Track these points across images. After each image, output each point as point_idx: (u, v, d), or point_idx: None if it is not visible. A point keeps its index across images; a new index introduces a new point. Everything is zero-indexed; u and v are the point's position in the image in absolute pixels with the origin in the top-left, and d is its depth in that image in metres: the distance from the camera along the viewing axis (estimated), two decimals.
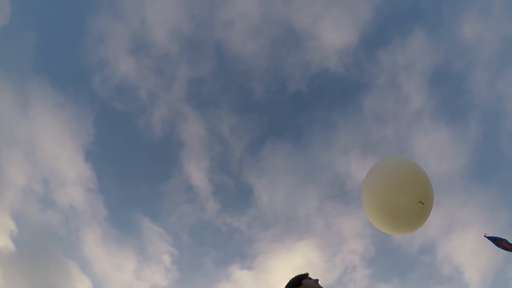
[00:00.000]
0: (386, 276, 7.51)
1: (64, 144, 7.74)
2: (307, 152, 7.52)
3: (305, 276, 1.48)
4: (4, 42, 7.50)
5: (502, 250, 4.01)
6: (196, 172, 7.53)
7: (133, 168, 7.77)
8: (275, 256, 7.30)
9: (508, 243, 3.97)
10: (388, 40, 7.43)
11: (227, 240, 7.53)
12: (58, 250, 7.93)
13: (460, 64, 7.81)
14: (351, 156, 7.58)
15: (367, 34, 7.37)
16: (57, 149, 7.79)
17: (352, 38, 7.40)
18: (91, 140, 7.53)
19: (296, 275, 1.57)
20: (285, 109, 7.65)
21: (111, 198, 7.50)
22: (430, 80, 7.69)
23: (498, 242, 4.04)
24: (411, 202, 3.07)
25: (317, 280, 1.47)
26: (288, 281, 1.56)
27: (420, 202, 3.05)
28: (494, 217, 7.95)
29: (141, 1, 7.42)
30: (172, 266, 7.39)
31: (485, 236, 4.05)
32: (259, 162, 7.63)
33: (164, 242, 7.42)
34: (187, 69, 7.37)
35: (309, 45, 7.33)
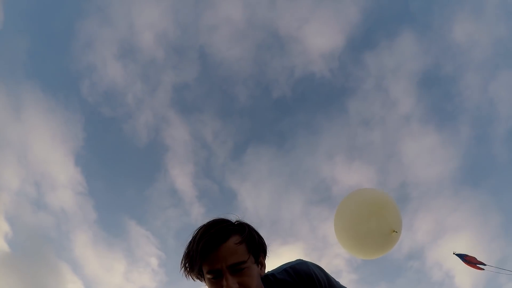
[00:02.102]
0: (373, 281, 7.47)
1: (55, 148, 7.89)
2: (292, 157, 7.51)
3: None
4: None
5: (475, 268, 3.98)
6: (181, 176, 7.60)
7: (120, 172, 7.89)
8: None
9: (475, 263, 3.94)
10: (375, 43, 7.35)
11: None
12: (51, 251, 8.10)
13: (450, 67, 7.68)
14: (337, 161, 7.55)
15: (354, 37, 7.30)
16: (48, 153, 7.95)
17: (338, 41, 7.34)
18: (81, 144, 7.65)
19: None
20: (269, 114, 7.66)
21: (100, 202, 7.64)
22: (419, 83, 7.58)
23: (466, 258, 4.02)
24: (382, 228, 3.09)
25: None
26: None
27: (393, 231, 3.07)
28: (486, 221, 7.83)
29: (129, 7, 7.48)
30: (159, 269, 7.49)
31: (454, 253, 4.03)
32: (243, 166, 7.67)
33: (151, 245, 7.52)
34: (172, 74, 7.42)
35: (294, 49, 7.29)
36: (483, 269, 3.97)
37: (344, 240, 3.34)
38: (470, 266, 3.98)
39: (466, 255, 4.03)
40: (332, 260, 7.25)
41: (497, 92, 7.66)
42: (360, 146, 7.37)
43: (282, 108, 7.43)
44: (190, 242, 0.89)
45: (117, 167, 7.83)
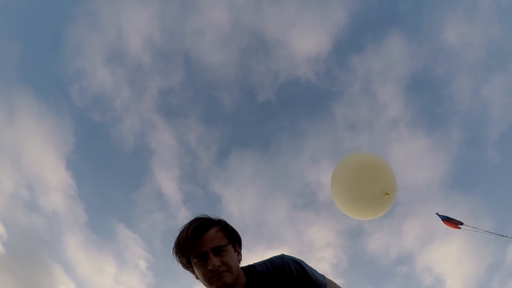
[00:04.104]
0: (360, 286, 7.44)
1: (47, 152, 8.02)
2: (277, 162, 7.50)
3: None
4: None
5: (453, 228, 3.99)
6: (166, 180, 7.66)
7: (109, 176, 8.00)
8: (247, 263, 7.38)
9: (455, 222, 3.95)
10: (362, 45, 7.26)
11: None
12: (44, 253, 8.27)
13: (441, 70, 7.55)
14: (323, 165, 7.51)
15: (341, 40, 7.22)
16: (40, 156, 8.09)
17: (324, 45, 7.27)
18: (71, 149, 7.78)
19: None
20: (253, 118, 7.65)
21: (90, 205, 7.76)
22: (408, 86, 7.48)
23: (447, 219, 4.02)
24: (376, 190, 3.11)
25: None
26: None
27: (385, 193, 3.08)
28: (477, 226, 7.70)
29: (117, 12, 7.53)
30: (148, 271, 7.59)
31: (436, 213, 4.06)
32: (228, 171, 7.69)
33: (139, 248, 7.62)
34: (158, 79, 7.46)
35: (280, 53, 7.25)
36: (460, 228, 4.00)
37: (340, 202, 3.36)
38: (449, 225, 4.00)
39: (447, 217, 4.05)
40: (318, 264, 7.24)
41: (490, 95, 7.50)
42: (347, 150, 7.32)
43: (266, 112, 7.42)
44: (180, 234, 1.09)
45: (105, 171, 7.95)
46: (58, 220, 8.05)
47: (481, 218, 7.60)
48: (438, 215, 4.03)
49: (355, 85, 7.28)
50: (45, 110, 7.86)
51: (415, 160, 7.46)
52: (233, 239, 1.13)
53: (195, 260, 1.05)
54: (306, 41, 7.16)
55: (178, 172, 7.69)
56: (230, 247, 1.09)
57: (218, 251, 1.05)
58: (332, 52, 7.24)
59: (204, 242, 1.05)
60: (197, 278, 1.11)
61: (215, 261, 1.02)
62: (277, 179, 7.50)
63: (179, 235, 1.10)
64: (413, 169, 7.53)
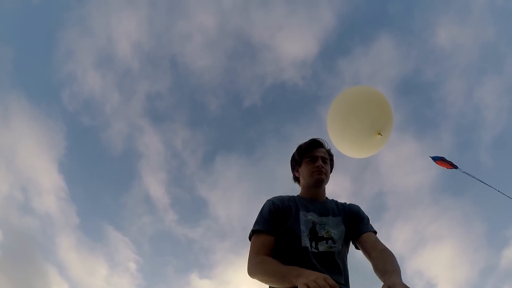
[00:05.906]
0: None
1: (40, 155, 8.15)
2: (264, 166, 7.48)
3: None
4: None
5: (446, 169, 3.87)
6: (154, 184, 7.72)
7: (99, 179, 8.09)
8: (234, 266, 7.41)
9: (449, 163, 3.83)
10: (350, 48, 7.18)
11: (187, 250, 7.71)
12: (38, 255, 8.41)
13: (432, 72, 7.43)
14: None
15: (329, 43, 7.15)
16: (34, 160, 8.22)
17: (312, 48, 7.21)
18: (63, 152, 7.88)
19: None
20: (240, 123, 7.63)
21: (81, 207, 7.86)
22: (397, 89, 7.37)
23: (442, 159, 3.89)
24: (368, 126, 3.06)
25: None
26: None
27: (378, 133, 3.02)
28: (469, 230, 7.59)
29: (107, 17, 7.59)
30: (137, 273, 7.67)
31: (430, 156, 3.96)
32: (214, 175, 7.70)
33: (129, 250, 7.70)
34: (146, 84, 7.51)
35: (267, 57, 7.22)
36: (454, 168, 3.85)
37: (334, 136, 3.27)
38: (443, 165, 3.88)
39: (442, 157, 3.92)
40: None
41: (483, 98, 7.36)
42: (335, 154, 7.24)
43: (253, 116, 7.40)
44: (302, 143, 1.56)
45: (96, 174, 8.05)
46: (51, 222, 8.18)
47: (473, 222, 7.49)
48: (431, 157, 3.89)
49: (343, 88, 7.19)
50: (37, 114, 7.98)
51: (405, 164, 7.37)
52: (332, 162, 1.58)
53: (307, 160, 1.50)
54: (293, 45, 7.11)
55: (166, 176, 7.75)
56: (328, 164, 1.53)
57: (324, 160, 1.50)
58: (319, 55, 7.19)
59: (318, 151, 1.52)
60: (296, 177, 1.57)
61: (321, 163, 1.47)
62: (263, 183, 7.49)
63: (301, 144, 1.56)
64: (403, 173, 7.44)
